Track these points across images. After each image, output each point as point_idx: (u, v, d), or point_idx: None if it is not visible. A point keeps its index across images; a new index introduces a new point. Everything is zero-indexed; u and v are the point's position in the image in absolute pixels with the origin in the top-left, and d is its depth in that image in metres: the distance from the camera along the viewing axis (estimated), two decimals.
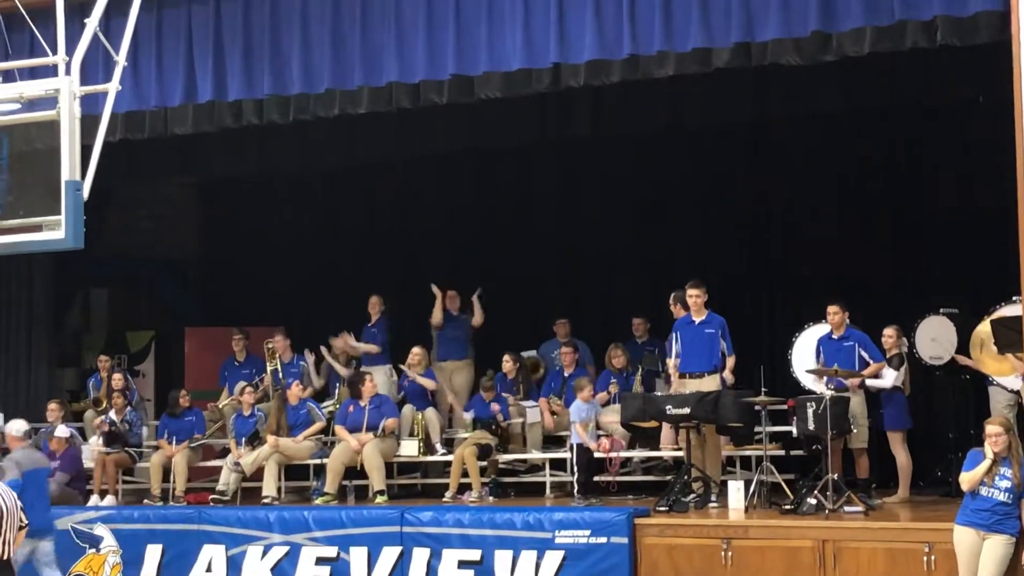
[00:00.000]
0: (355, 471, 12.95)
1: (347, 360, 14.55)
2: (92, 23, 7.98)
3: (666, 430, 12.21)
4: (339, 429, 13.28)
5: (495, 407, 13.10)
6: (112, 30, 8.87)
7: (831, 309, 11.72)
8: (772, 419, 11.54)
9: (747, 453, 12.29)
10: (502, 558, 10.88)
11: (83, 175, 7.54)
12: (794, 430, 11.14)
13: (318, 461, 13.41)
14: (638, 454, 12.87)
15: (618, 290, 15.52)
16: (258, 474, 13.21)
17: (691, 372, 11.66)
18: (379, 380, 13.73)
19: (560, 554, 10.69)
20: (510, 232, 15.97)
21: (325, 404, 13.96)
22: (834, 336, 11.76)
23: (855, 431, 11.25)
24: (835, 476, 10.60)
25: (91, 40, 7.95)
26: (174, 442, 13.72)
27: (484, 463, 12.83)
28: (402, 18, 11.00)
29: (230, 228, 17.49)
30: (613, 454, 12.17)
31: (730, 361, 11.65)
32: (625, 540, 10.51)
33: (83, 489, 13.59)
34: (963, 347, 11.91)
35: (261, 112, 11.97)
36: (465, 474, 12.57)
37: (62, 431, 13.57)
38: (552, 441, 13.35)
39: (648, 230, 15.34)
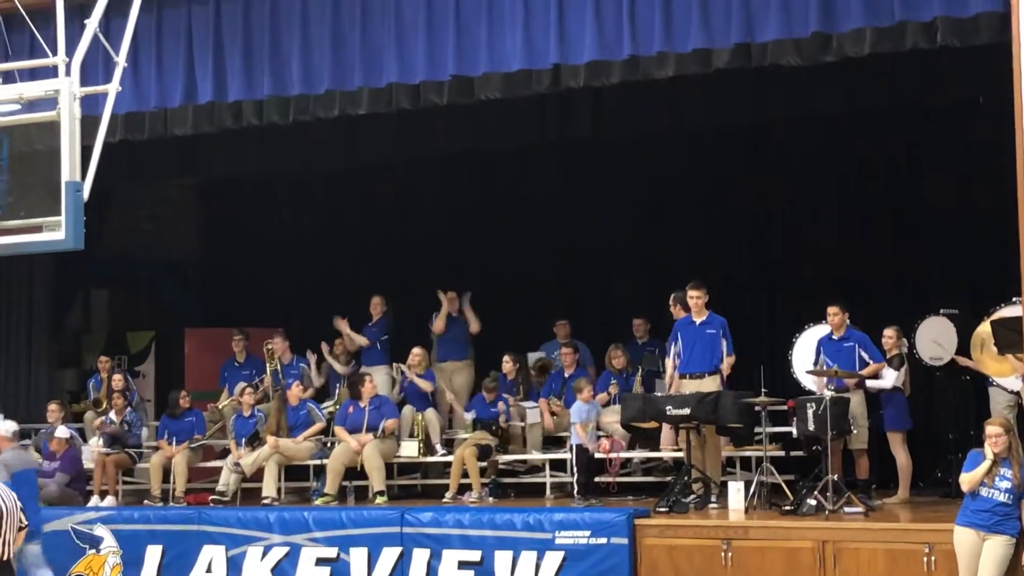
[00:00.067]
0: (355, 472, 12.96)
1: (347, 360, 14.56)
2: (92, 24, 7.98)
3: (666, 431, 12.21)
4: (339, 430, 13.29)
5: (501, 407, 13.11)
6: (112, 31, 8.86)
7: (831, 310, 11.72)
8: (772, 420, 11.54)
9: (747, 454, 12.29)
10: (502, 559, 10.88)
11: (83, 176, 7.54)
12: (794, 431, 11.14)
13: (318, 462, 13.41)
14: (638, 455, 12.86)
15: (618, 291, 15.52)
16: (258, 475, 13.22)
17: (691, 373, 11.66)
18: (379, 381, 13.74)
19: (560, 555, 10.69)
20: (510, 233, 15.97)
21: (325, 405, 13.97)
22: (834, 337, 11.76)
23: (855, 432, 11.25)
24: (835, 477, 10.60)
25: (91, 41, 7.95)
26: (174, 443, 13.72)
27: (484, 464, 12.84)
28: (402, 19, 11.00)
29: (230, 229, 17.49)
30: (613, 455, 12.18)
31: (729, 360, 11.65)
32: (625, 541, 10.51)
33: (83, 490, 13.60)
34: (963, 348, 11.91)
35: (261, 113, 11.97)
36: (465, 475, 12.57)
37: (62, 432, 13.59)
38: (552, 442, 13.34)
39: (648, 231, 15.34)
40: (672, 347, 11.86)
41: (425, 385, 13.57)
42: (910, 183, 14.06)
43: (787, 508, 10.71)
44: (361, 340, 14.37)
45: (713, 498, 11.36)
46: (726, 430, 11.68)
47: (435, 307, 14.39)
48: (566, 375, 13.49)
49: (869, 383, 11.63)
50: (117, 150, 10.71)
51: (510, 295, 15.35)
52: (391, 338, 14.47)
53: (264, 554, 11.82)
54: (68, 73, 7.67)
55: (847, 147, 14.20)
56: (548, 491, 12.74)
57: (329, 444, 13.62)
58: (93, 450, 13.99)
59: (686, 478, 11.35)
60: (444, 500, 12.39)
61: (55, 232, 7.48)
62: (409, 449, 13.27)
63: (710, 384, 11.51)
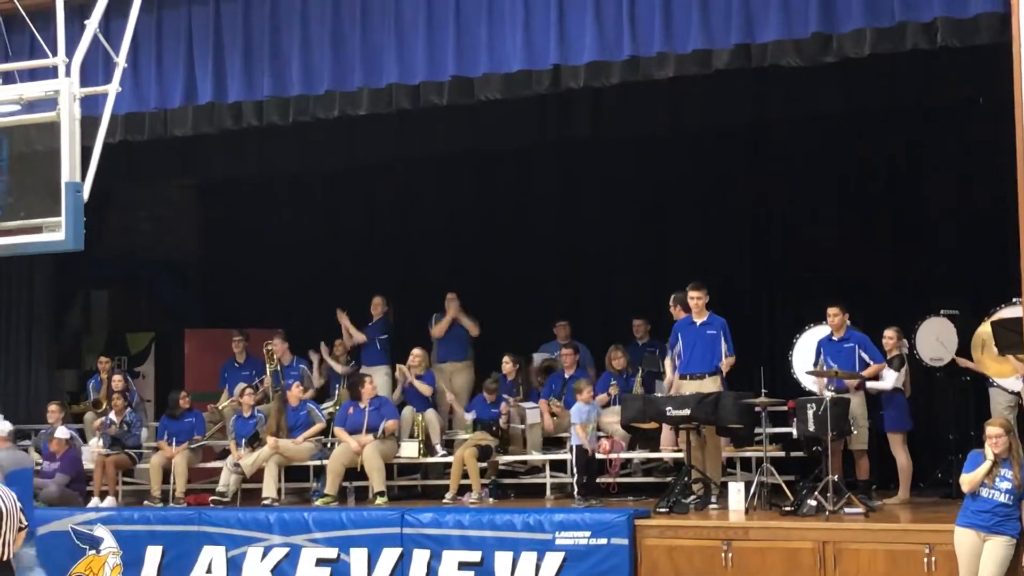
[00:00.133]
0: (355, 472, 12.96)
1: (347, 359, 14.56)
2: (92, 24, 7.97)
3: (666, 431, 12.21)
4: (339, 431, 13.29)
5: (503, 408, 13.11)
6: (112, 31, 8.85)
7: (831, 311, 11.71)
8: (772, 420, 11.54)
9: (747, 454, 12.29)
10: (502, 559, 10.88)
11: (83, 176, 7.52)
12: (794, 431, 11.14)
13: (318, 462, 13.41)
14: (638, 455, 12.86)
15: (618, 291, 15.51)
16: (258, 475, 13.21)
17: (691, 373, 11.66)
18: (378, 381, 13.74)
19: (560, 555, 10.68)
20: (510, 233, 15.96)
21: (325, 405, 13.97)
22: (834, 338, 11.76)
23: (855, 432, 11.25)
24: (835, 477, 10.59)
25: (91, 41, 7.93)
26: (174, 443, 13.72)
27: (484, 464, 12.83)
28: (402, 19, 11.00)
29: (230, 229, 17.49)
30: (613, 455, 12.17)
31: (729, 360, 11.65)
32: (625, 541, 10.51)
33: (83, 490, 13.60)
34: (963, 349, 11.91)
35: (261, 113, 11.97)
36: (465, 475, 12.57)
37: (62, 432, 13.59)
38: (552, 443, 13.34)
39: (648, 231, 15.35)
40: (672, 348, 11.86)
41: (424, 388, 13.56)
42: (910, 183, 14.06)
43: (787, 509, 10.71)
44: (359, 336, 14.38)
45: (713, 499, 11.36)
46: (726, 431, 11.67)
47: (435, 307, 14.38)
48: (566, 376, 13.47)
49: (869, 384, 11.62)
50: (117, 151, 10.72)
51: (510, 295, 15.35)
52: (391, 338, 14.47)
53: (264, 555, 11.81)
54: (68, 74, 7.65)
55: (847, 147, 14.20)
56: (548, 492, 12.74)
57: (329, 445, 13.62)
58: (93, 451, 13.99)
59: (686, 479, 11.35)
60: (444, 501, 12.39)
61: (55, 233, 7.47)
62: (409, 450, 13.26)
63: (710, 385, 11.51)
